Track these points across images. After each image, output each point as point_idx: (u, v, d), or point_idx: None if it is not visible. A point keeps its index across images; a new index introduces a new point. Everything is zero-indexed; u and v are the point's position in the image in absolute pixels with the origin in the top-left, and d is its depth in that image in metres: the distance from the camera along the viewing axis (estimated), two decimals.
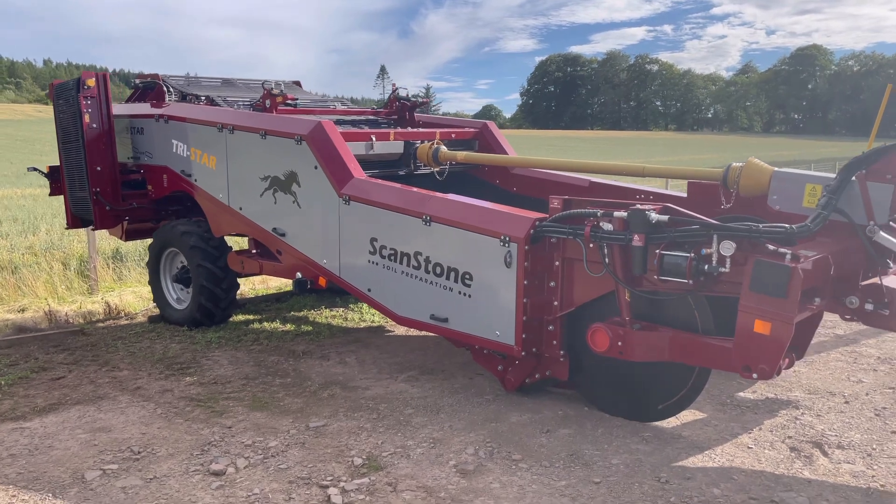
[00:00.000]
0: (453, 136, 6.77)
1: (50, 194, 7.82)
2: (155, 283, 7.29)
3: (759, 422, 4.30)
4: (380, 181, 5.30)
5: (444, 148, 6.24)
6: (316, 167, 5.48)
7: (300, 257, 5.75)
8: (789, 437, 4.07)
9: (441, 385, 5.08)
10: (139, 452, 4.01)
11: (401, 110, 7.46)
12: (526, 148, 69.49)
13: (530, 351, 4.47)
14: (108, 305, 7.83)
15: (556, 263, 4.39)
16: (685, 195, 5.30)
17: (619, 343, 4.03)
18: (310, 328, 6.76)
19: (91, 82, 6.87)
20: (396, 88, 7.57)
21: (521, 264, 4.29)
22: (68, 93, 6.95)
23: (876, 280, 3.92)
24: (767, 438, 4.07)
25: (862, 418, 4.32)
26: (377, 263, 5.15)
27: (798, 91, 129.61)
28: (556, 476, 3.65)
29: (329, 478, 3.65)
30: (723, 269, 3.66)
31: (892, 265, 4.01)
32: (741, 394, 4.76)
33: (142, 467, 3.82)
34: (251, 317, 7.26)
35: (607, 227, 4.02)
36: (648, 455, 3.88)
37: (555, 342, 4.48)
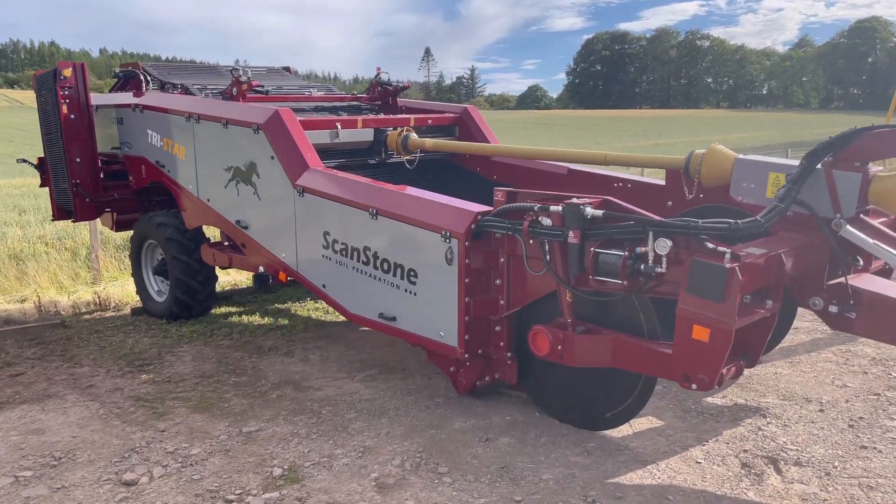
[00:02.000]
0: (430, 122, 6.49)
1: (40, 185, 7.81)
2: (137, 275, 7.23)
3: (717, 432, 3.95)
4: (332, 172, 5.07)
5: (413, 135, 5.97)
6: (272, 157, 5.28)
7: (261, 251, 5.57)
8: (745, 451, 3.72)
9: (396, 386, 4.85)
10: (60, 458, 3.89)
11: (384, 96, 7.21)
12: (570, 128, 68.74)
13: (475, 353, 4.20)
14: (98, 297, 7.83)
15: (502, 260, 4.10)
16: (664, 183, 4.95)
17: (559, 347, 3.73)
18: (286, 322, 6.60)
19: (68, 73, 6.78)
20: (380, 72, 7.32)
21: (462, 261, 4.01)
22: (47, 84, 6.89)
23: (842, 280, 3.53)
24: (721, 452, 3.73)
25: (833, 430, 3.93)
26: (330, 258, 4.94)
27: (857, 65, 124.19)
28: (476, 493, 3.40)
29: (238, 491, 3.47)
30: (659, 270, 3.32)
31: (860, 263, 3.60)
32: (709, 399, 4.40)
33: (55, 475, 3.70)
34: (233, 309, 7.15)
35: (546, 222, 3.71)
36: (584, 469, 3.58)
37: (502, 343, 4.20)
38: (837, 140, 3.56)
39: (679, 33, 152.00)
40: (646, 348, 3.52)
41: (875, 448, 3.70)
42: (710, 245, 3.19)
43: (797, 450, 3.71)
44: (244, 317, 6.82)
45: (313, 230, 5.04)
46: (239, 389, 4.91)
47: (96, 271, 9.40)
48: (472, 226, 4.01)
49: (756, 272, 3.24)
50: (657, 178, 5.23)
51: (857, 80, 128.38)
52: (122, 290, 8.27)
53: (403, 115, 6.39)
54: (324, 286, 5.06)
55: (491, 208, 4.08)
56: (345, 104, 7.08)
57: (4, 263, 9.63)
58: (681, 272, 3.26)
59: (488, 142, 6.54)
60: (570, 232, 3.55)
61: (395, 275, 4.47)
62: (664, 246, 3.27)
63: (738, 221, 3.26)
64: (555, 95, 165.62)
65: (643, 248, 3.36)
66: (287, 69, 8.52)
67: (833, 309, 3.54)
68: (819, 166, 3.60)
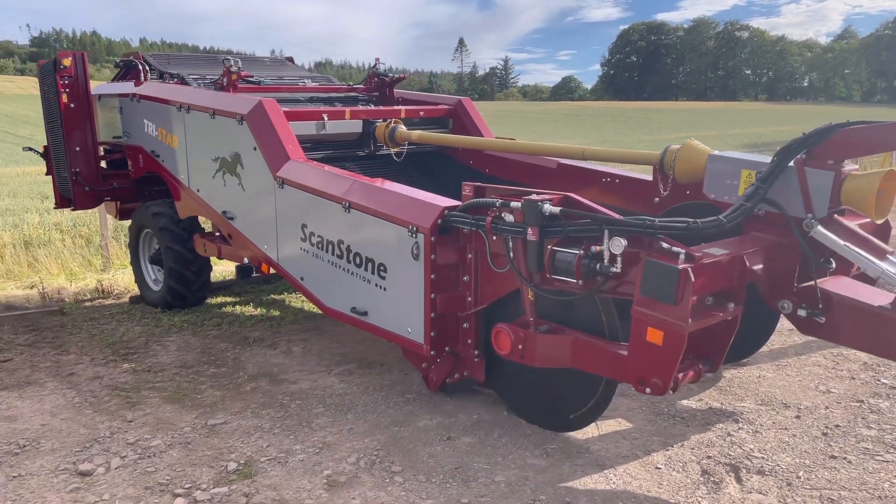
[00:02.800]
0: (421, 113, 6.41)
1: (46, 174, 7.92)
2: (135, 264, 7.30)
3: (685, 436, 3.83)
4: (311, 164, 5.02)
5: (401, 127, 5.89)
6: (255, 148, 5.26)
7: (245, 242, 5.57)
8: (708, 458, 3.60)
9: (370, 381, 4.81)
10: (24, 446, 3.92)
11: (381, 87, 7.15)
12: (603, 120, 67.97)
13: (441, 350, 4.14)
14: (101, 285, 7.93)
15: (469, 256, 4.02)
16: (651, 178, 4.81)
17: (520, 346, 3.64)
18: (277, 313, 6.60)
19: (67, 62, 6.84)
20: (377, 62, 7.25)
21: (428, 257, 3.94)
22: (48, 73, 6.96)
23: (811, 283, 3.38)
24: (683, 458, 3.61)
25: (805, 437, 3.78)
26: (307, 251, 4.91)
27: None
28: (425, 493, 3.34)
29: (188, 485, 3.46)
30: (614, 269, 3.21)
31: (832, 265, 3.45)
32: (684, 402, 4.28)
33: (15, 463, 3.73)
34: (228, 299, 7.17)
35: (509, 218, 3.62)
36: (539, 472, 3.50)
37: (469, 341, 4.13)
38: (811, 136, 3.41)
39: (718, 24, 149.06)
40: (603, 350, 3.42)
41: (845, 458, 3.55)
42: (665, 245, 3.08)
43: (762, 457, 3.58)
44: (237, 307, 6.84)
45: (292, 222, 5.01)
46: (215, 381, 4.91)
47: (106, 259, 9.52)
48: (439, 221, 3.94)
49: (714, 273, 3.13)
50: (647, 173, 5.09)
51: None
52: (128, 279, 8.35)
53: (393, 107, 6.32)
54: (302, 279, 5.03)
55: (459, 203, 4.00)
56: (341, 95, 7.03)
57: (17, 250, 9.82)
58: (635, 273, 3.15)
59: (481, 134, 6.44)
60: (529, 229, 3.46)
61: (366, 269, 4.42)
62: (619, 245, 3.16)
63: (698, 221, 3.14)
64: (589, 87, 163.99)
65: (598, 247, 3.25)
66: (290, 60, 8.50)
67: (801, 313, 3.40)
68: (792, 164, 3.45)
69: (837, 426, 3.90)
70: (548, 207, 3.40)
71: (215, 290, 7.37)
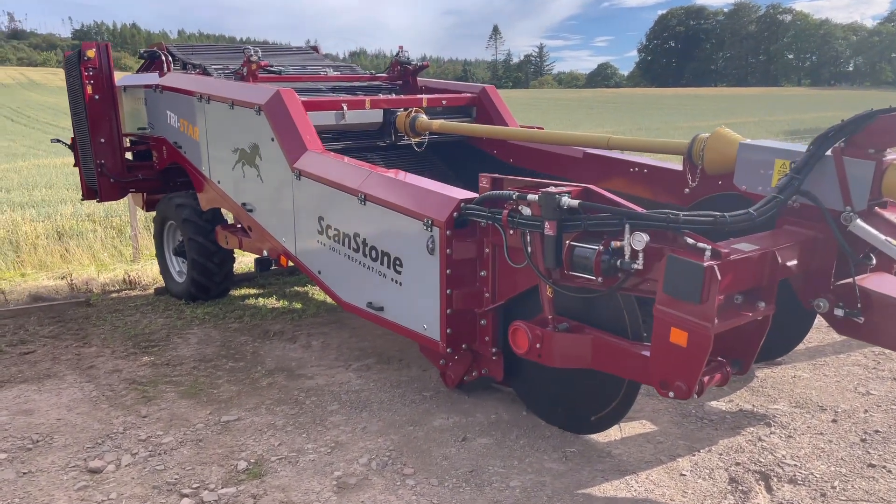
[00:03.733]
0: (444, 102, 6.25)
1: (74, 165, 7.95)
2: (160, 255, 7.31)
3: (713, 441, 3.64)
4: (327, 155, 4.91)
5: (423, 116, 5.74)
6: (272, 139, 5.17)
7: (264, 234, 5.49)
8: (737, 465, 3.40)
9: (389, 377, 4.70)
10: (37, 441, 3.90)
11: (404, 75, 7.00)
12: (639, 107, 66.88)
13: (458, 347, 4.00)
14: (128, 276, 7.96)
15: (487, 250, 3.87)
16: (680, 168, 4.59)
17: (538, 345, 3.49)
18: (299, 306, 6.53)
19: (91, 53, 6.82)
20: (401, 50, 7.10)
21: (444, 251, 3.80)
22: (73, 65, 6.96)
23: (850, 280, 3.16)
24: (710, 464, 3.43)
25: (842, 444, 3.56)
26: (324, 244, 4.81)
27: None
28: (437, 498, 3.21)
29: (196, 484, 3.39)
30: (636, 266, 3.03)
31: (873, 262, 3.22)
32: (713, 403, 4.08)
33: (27, 459, 3.70)
34: (252, 291, 7.14)
35: (526, 211, 3.46)
36: (557, 477, 3.35)
37: (487, 338, 3.98)
38: (850, 123, 3.18)
39: (760, 7, 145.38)
40: (625, 350, 3.24)
41: (884, 467, 3.33)
42: (690, 240, 2.89)
43: (795, 465, 3.38)
44: (260, 299, 6.79)
45: (309, 215, 4.91)
46: (232, 375, 4.85)
47: (136, 249, 9.57)
48: (455, 214, 3.79)
49: (743, 271, 2.94)
50: (677, 162, 4.87)
51: None
52: (155, 270, 8.36)
53: (415, 96, 6.17)
54: (319, 272, 4.94)
55: (476, 195, 3.85)
56: (363, 84, 6.91)
57: (50, 240, 9.94)
58: (657, 270, 2.97)
59: (505, 123, 6.26)
60: (547, 223, 3.29)
61: (382, 263, 4.30)
62: (641, 240, 2.98)
63: (726, 214, 2.95)
64: (626, 73, 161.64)
65: (618, 243, 3.08)
66: (315, 48, 8.41)
67: (839, 312, 3.19)
68: (829, 153, 3.23)
69: (877, 432, 3.67)
70: (566, 200, 3.23)
71: (238, 281, 7.34)
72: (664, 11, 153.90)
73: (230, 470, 3.53)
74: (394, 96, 6.19)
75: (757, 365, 4.57)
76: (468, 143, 6.40)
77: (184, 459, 3.64)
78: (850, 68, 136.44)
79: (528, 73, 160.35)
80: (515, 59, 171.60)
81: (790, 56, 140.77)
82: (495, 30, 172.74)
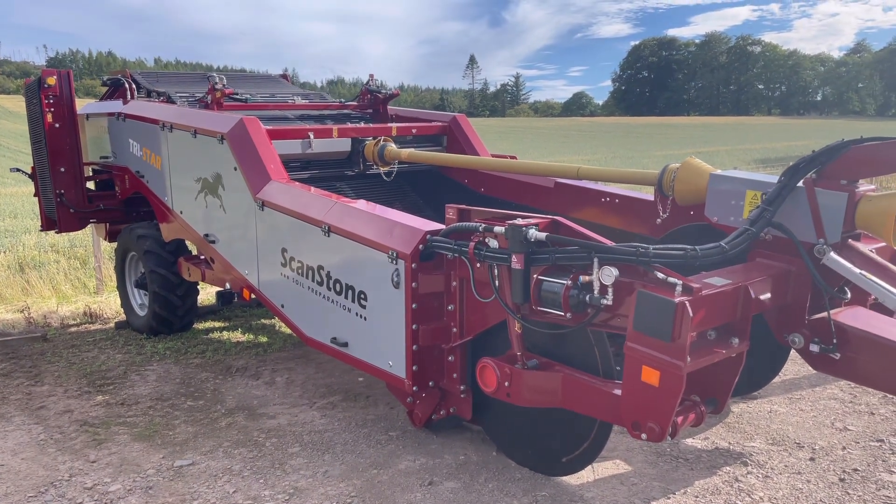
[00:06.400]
0: (414, 131, 6.15)
1: (34, 195, 7.72)
2: (121, 288, 7.07)
3: (689, 482, 3.50)
4: (291, 185, 4.76)
5: (391, 145, 5.63)
6: (235, 168, 5.02)
7: (227, 266, 5.31)
8: None
9: (354, 415, 4.51)
10: None
11: (374, 103, 6.90)
12: (613, 136, 67.70)
13: (424, 385, 3.84)
14: (89, 309, 7.70)
15: (454, 284, 3.73)
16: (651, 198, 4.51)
17: (507, 383, 3.34)
18: (265, 339, 6.33)
19: (52, 80, 6.65)
20: (371, 79, 7.01)
21: (409, 284, 3.66)
22: (33, 92, 6.77)
23: (824, 314, 3.06)
24: None
25: (820, 484, 3.44)
26: (288, 277, 4.63)
27: None
28: None
29: None
30: (605, 301, 2.91)
31: (847, 296, 3.13)
32: (689, 441, 3.95)
33: None
34: (217, 324, 6.92)
35: (493, 243, 3.33)
36: None
37: (455, 375, 3.83)
38: (821, 154, 3.11)
39: (730, 39, 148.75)
40: (596, 389, 3.11)
41: None
42: (661, 275, 2.78)
43: None
44: (225, 333, 6.58)
45: (273, 246, 4.75)
46: (190, 415, 4.63)
47: (99, 281, 9.31)
48: (421, 246, 3.65)
49: (716, 306, 2.82)
50: (648, 192, 4.79)
51: None
52: (118, 302, 8.13)
53: (384, 125, 6.07)
54: (282, 306, 4.76)
55: (442, 227, 3.72)
56: (332, 112, 6.79)
57: (11, 272, 9.63)
58: (628, 305, 2.85)
59: (476, 152, 6.17)
60: (514, 256, 3.17)
61: (346, 297, 4.14)
62: (610, 275, 2.86)
63: (697, 248, 2.84)
64: (600, 102, 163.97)
65: (587, 277, 2.96)
66: (284, 76, 8.30)
67: (814, 348, 3.09)
68: (801, 184, 3.15)
69: (856, 470, 3.55)
70: (533, 233, 3.11)
71: (203, 314, 7.12)
72: (637, 42, 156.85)
73: None
74: (362, 125, 6.08)
75: (733, 399, 4.45)
76: (439, 173, 6.30)
77: None
78: (819, 98, 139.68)
79: (504, 101, 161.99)
80: (492, 88, 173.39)
81: (760, 86, 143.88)
82: (472, 59, 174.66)
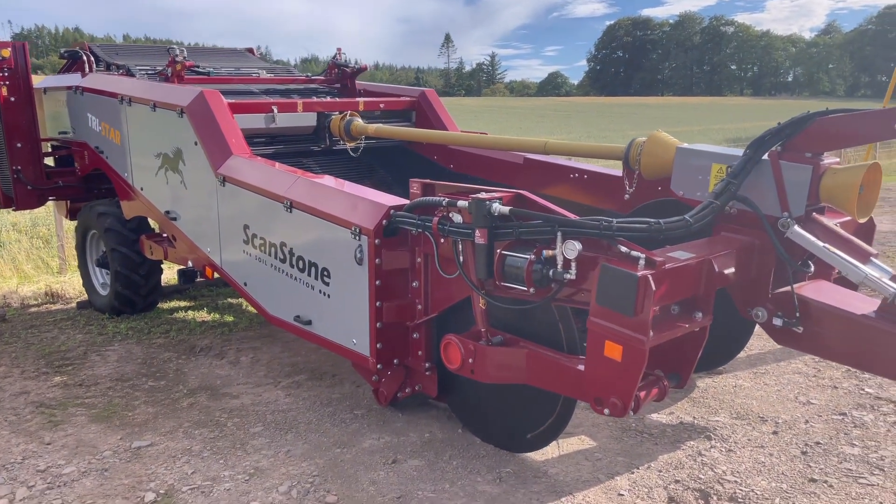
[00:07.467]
0: (382, 106, 6.04)
1: None
2: (82, 266, 6.90)
3: (653, 456, 3.50)
4: (254, 160, 4.65)
5: (358, 120, 5.52)
6: (196, 143, 4.88)
7: (189, 244, 5.18)
8: (676, 482, 3.26)
9: (320, 395, 4.45)
10: None
11: (342, 78, 6.76)
12: (588, 116, 67.77)
13: (389, 363, 3.78)
14: (50, 289, 7.52)
15: (419, 260, 3.67)
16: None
17: (471, 360, 3.29)
18: (231, 319, 6.22)
19: (6, 52, 6.41)
20: (339, 53, 6.87)
21: (373, 261, 3.58)
22: None
23: (788, 288, 3.05)
24: (650, 482, 3.28)
25: (783, 457, 3.45)
26: (250, 254, 4.53)
27: (885, 52, 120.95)
28: None
29: None
30: (569, 276, 2.87)
31: (811, 269, 3.12)
32: (654, 416, 3.94)
33: None
34: (182, 304, 6.78)
35: (457, 218, 3.27)
36: (490, 501, 3.15)
37: (420, 353, 3.78)
38: (786, 127, 3.08)
39: (703, 19, 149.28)
40: (559, 365, 3.07)
41: (826, 482, 3.23)
42: (624, 249, 2.73)
43: (736, 481, 3.24)
44: (190, 312, 6.46)
45: (235, 223, 4.64)
46: (151, 396, 4.53)
47: (62, 260, 9.09)
48: (384, 221, 3.58)
49: (679, 280, 2.79)
50: (617, 168, 4.74)
51: (885, 67, 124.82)
52: (80, 282, 7.95)
53: (351, 99, 5.94)
54: (245, 284, 4.66)
55: (407, 202, 3.65)
56: (299, 87, 6.64)
57: None
58: (591, 280, 2.80)
59: (445, 128, 6.08)
60: (477, 231, 3.10)
61: (309, 274, 4.06)
62: (573, 249, 2.82)
63: (661, 221, 2.80)
64: (576, 82, 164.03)
65: (550, 251, 2.91)
66: (250, 51, 8.10)
67: (777, 322, 3.07)
68: (766, 157, 3.12)
69: (818, 443, 3.57)
70: (497, 207, 3.05)
71: (168, 294, 6.98)
72: (612, 22, 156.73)
73: (136, 502, 3.23)
74: (328, 99, 5.95)
75: (698, 374, 4.46)
76: (409, 149, 6.20)
77: (85, 492, 3.33)
78: (790, 79, 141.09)
79: (480, 81, 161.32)
80: (468, 67, 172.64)
81: (733, 67, 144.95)
82: (447, 38, 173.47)
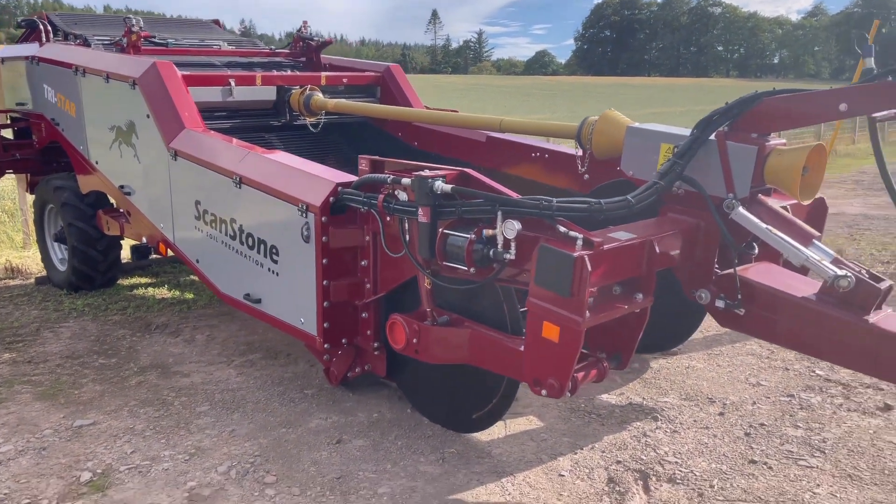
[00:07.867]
0: (345, 80, 5.93)
1: None
2: (41, 242, 6.78)
3: (598, 437, 3.48)
4: (208, 134, 4.55)
5: (318, 94, 5.42)
6: (148, 116, 4.77)
7: (142, 220, 5.09)
8: (617, 463, 3.25)
9: (272, 374, 4.40)
10: None
11: (307, 52, 6.64)
12: (574, 95, 67.56)
13: (337, 343, 3.73)
14: (10, 264, 7.38)
15: (367, 238, 3.61)
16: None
17: (415, 340, 3.25)
18: (190, 296, 6.13)
19: None
20: (305, 26, 6.73)
21: (319, 239, 3.52)
22: None
23: (731, 271, 3.02)
24: (591, 462, 3.26)
25: (726, 438, 3.45)
26: (202, 231, 4.45)
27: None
28: None
29: (27, 500, 3.03)
30: (509, 256, 2.82)
31: (755, 251, 3.09)
32: (604, 397, 3.93)
33: None
34: (143, 280, 6.68)
35: (402, 196, 3.21)
36: (430, 482, 3.13)
37: (369, 332, 3.73)
38: (734, 106, 3.04)
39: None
40: (501, 345, 3.03)
41: (765, 464, 3.23)
42: (563, 229, 2.69)
43: (677, 462, 3.24)
44: (150, 289, 6.36)
45: (187, 198, 4.55)
46: (100, 374, 4.46)
47: (26, 235, 8.93)
48: (331, 199, 3.51)
49: (618, 261, 2.75)
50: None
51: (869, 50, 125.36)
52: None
53: (313, 73, 5.83)
54: (197, 261, 4.59)
55: (355, 178, 3.58)
56: (263, 60, 6.51)
57: None
58: (530, 260, 2.76)
59: (410, 104, 5.99)
60: (421, 209, 3.05)
61: (259, 252, 3.99)
62: (512, 228, 2.77)
63: (602, 201, 2.76)
64: (563, 61, 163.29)
65: (491, 231, 2.86)
66: (216, 22, 7.93)
67: (720, 304, 3.05)
68: (713, 137, 3.07)
69: (762, 425, 3.57)
70: (439, 185, 2.99)
71: (129, 270, 6.88)
72: (600, 1, 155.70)
73: (71, 482, 3.18)
74: (289, 73, 5.83)
75: (652, 356, 4.45)
76: (374, 126, 6.11)
77: (20, 471, 3.27)
78: (776, 61, 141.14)
79: (467, 58, 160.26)
80: (455, 45, 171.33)
81: (720, 48, 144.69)
82: (434, 14, 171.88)
